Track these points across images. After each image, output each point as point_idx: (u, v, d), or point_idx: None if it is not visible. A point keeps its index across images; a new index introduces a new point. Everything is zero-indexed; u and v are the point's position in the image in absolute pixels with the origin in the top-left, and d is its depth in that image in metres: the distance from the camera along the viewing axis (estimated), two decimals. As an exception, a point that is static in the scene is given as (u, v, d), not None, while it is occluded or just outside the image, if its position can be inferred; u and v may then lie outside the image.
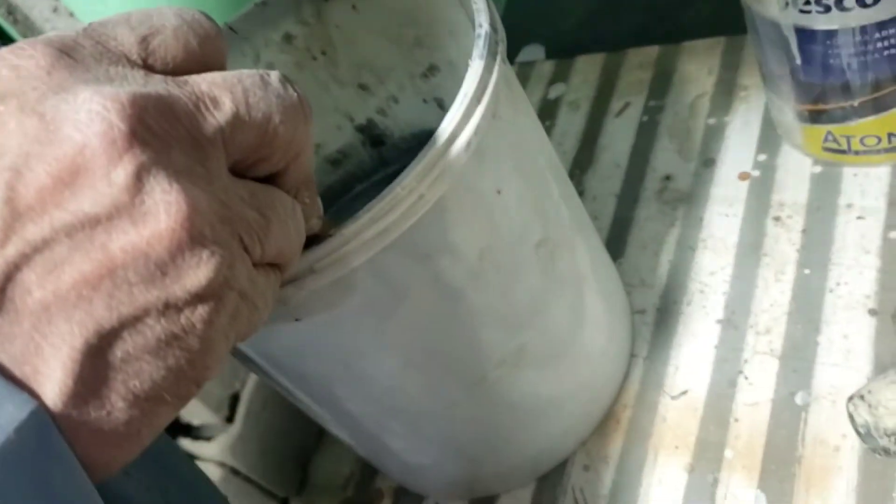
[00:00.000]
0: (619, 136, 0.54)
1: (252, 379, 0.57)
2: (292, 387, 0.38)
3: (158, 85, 0.20)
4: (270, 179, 0.23)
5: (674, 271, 0.47)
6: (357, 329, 0.32)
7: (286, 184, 0.23)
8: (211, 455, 0.51)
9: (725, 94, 0.52)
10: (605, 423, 0.44)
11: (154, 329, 0.19)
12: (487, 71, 0.30)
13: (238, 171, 0.21)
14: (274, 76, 0.22)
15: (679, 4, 0.58)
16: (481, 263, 0.33)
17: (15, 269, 0.18)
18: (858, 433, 0.37)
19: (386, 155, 0.48)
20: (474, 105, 0.29)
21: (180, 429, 0.52)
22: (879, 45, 0.39)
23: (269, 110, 0.21)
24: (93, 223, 0.18)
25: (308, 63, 0.41)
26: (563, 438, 0.43)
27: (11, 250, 0.18)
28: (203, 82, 0.20)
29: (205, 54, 0.21)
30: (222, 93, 0.20)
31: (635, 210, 0.50)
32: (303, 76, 0.41)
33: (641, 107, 0.54)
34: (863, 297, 0.41)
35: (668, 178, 0.51)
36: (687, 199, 0.49)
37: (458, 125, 0.29)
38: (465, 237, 0.32)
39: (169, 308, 0.19)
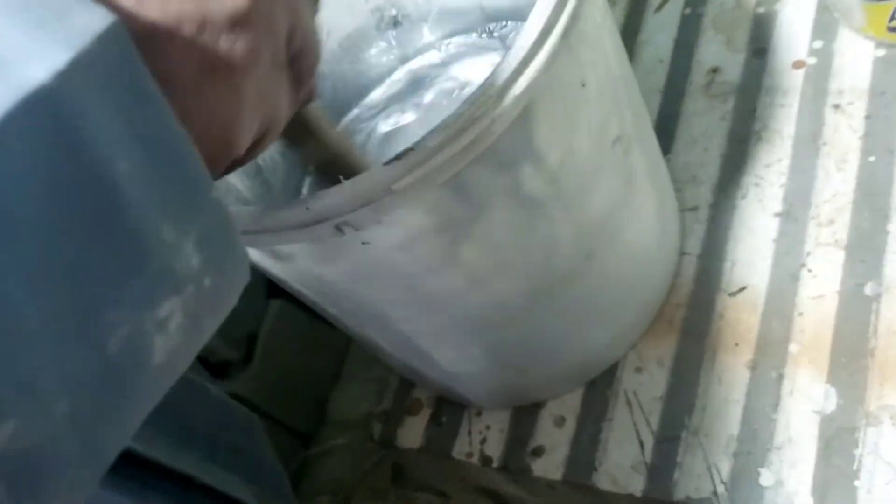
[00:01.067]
0: (660, 31, 0.51)
1: (269, 317, 0.55)
2: (341, 313, 0.35)
3: None
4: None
5: (726, 165, 0.44)
6: (430, 250, 0.30)
7: None
8: (231, 391, 0.50)
9: (776, -20, 0.49)
10: (656, 324, 0.42)
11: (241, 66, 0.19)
12: None
13: None
14: None
15: None
16: (562, 167, 0.30)
17: None
18: (938, 319, 0.35)
19: (404, 41, 0.45)
20: None
21: (199, 366, 0.50)
22: None
23: None
24: None
25: None
26: (614, 342, 0.41)
27: None
28: None
29: None
30: None
31: (682, 105, 0.48)
32: None
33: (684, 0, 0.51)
34: (935, 182, 0.39)
35: (715, 70, 0.48)
36: (737, 92, 0.46)
37: (553, 11, 0.26)
38: (549, 139, 0.29)
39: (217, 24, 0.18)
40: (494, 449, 0.43)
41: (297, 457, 0.56)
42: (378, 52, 0.47)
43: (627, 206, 0.36)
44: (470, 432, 0.44)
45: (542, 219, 0.31)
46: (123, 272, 0.15)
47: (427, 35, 0.47)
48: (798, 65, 0.46)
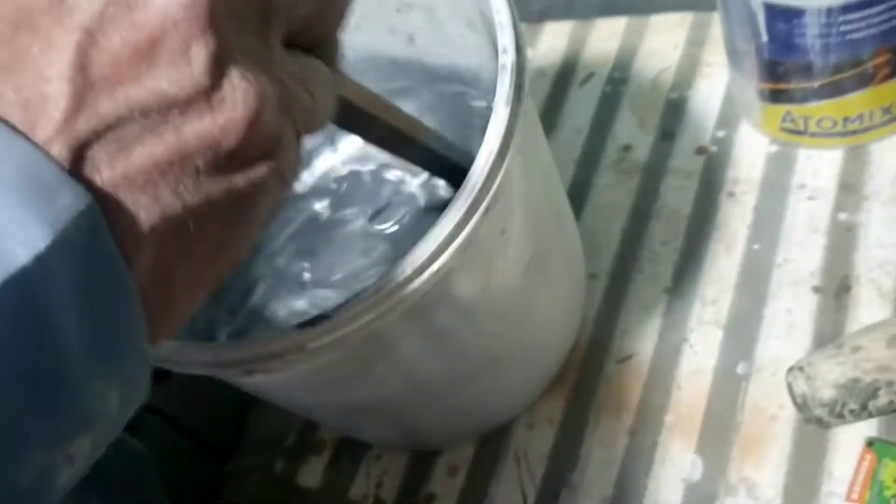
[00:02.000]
0: (582, 105, 0.54)
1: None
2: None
3: None
4: (311, 47, 0.22)
5: (627, 238, 0.48)
6: (338, 374, 0.32)
7: (327, 52, 0.22)
8: (147, 403, 0.51)
9: (689, 69, 0.53)
10: (552, 384, 0.44)
11: (213, 218, 0.19)
12: (513, 116, 0.28)
13: (286, 39, 0.21)
14: None
15: (649, -22, 0.59)
16: (476, 303, 0.32)
17: (86, 145, 0.17)
18: (795, 403, 0.38)
19: None
20: (498, 165, 0.27)
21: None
22: (843, 28, 0.40)
23: None
24: (169, 103, 0.17)
25: None
26: (513, 404, 0.44)
27: (83, 125, 0.17)
28: None
29: None
30: None
31: (594, 177, 0.51)
32: None
33: (605, 77, 0.55)
34: (808, 274, 0.43)
35: (626, 148, 0.51)
36: (644, 170, 0.50)
37: (479, 192, 0.27)
38: (464, 285, 0.31)
39: (230, 194, 0.19)
40: (389, 493, 0.45)
41: (213, 473, 0.57)
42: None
43: (539, 304, 0.38)
44: (368, 475, 0.46)
45: (452, 342, 0.33)
46: (49, 419, 0.16)
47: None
48: (701, 151, 0.49)
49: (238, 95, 0.18)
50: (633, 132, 0.52)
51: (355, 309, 0.26)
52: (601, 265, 0.47)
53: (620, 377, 0.43)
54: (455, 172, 0.38)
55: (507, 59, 0.28)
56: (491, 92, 0.38)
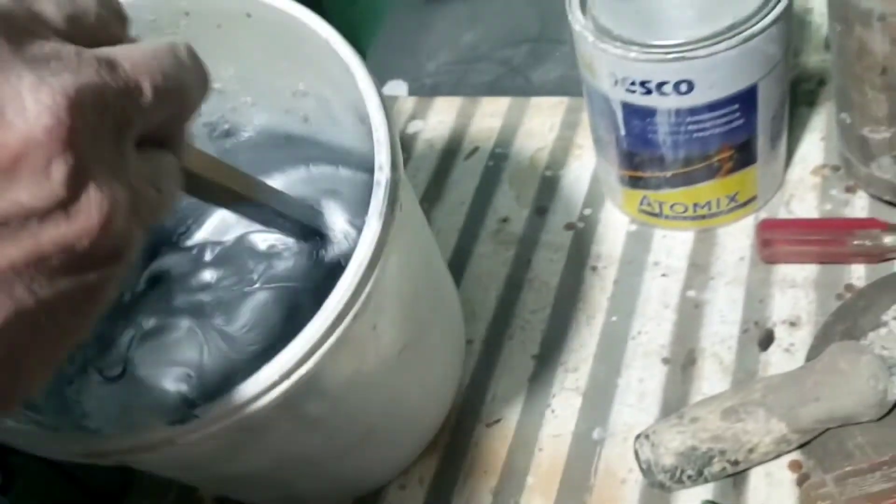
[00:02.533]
0: (466, 176, 0.58)
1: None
2: None
3: (90, 69, 0.20)
4: (160, 142, 0.24)
5: (501, 306, 0.51)
6: (209, 457, 0.33)
7: (176, 142, 0.24)
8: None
9: (562, 150, 0.57)
10: (426, 447, 0.47)
11: (63, 309, 0.21)
12: (385, 229, 0.30)
13: (138, 139, 0.22)
14: (183, 49, 0.23)
15: (532, 63, 0.63)
16: (346, 392, 0.34)
17: None
18: (641, 469, 0.42)
19: (232, 147, 0.49)
20: (369, 274, 0.29)
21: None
22: (691, 127, 0.44)
23: (183, 87, 0.23)
24: (27, 214, 0.19)
25: None
26: (388, 469, 0.45)
27: None
28: (127, 63, 0.21)
29: (118, 31, 0.23)
30: (144, 74, 0.21)
31: (474, 246, 0.54)
32: None
33: (489, 152, 0.58)
34: (659, 346, 0.47)
35: (505, 220, 0.55)
36: (519, 242, 0.53)
37: (348, 302, 0.29)
38: (334, 381, 0.32)
39: (79, 288, 0.21)
40: (264, 548, 0.46)
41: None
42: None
43: (414, 382, 0.40)
44: (245, 531, 0.47)
45: (324, 426, 0.35)
46: None
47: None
48: (569, 227, 0.53)
49: (92, 205, 0.20)
50: (511, 205, 0.55)
51: (226, 407, 0.28)
52: (477, 331, 0.50)
53: (489, 440, 0.46)
54: (303, 229, 0.41)
55: (383, 176, 0.31)
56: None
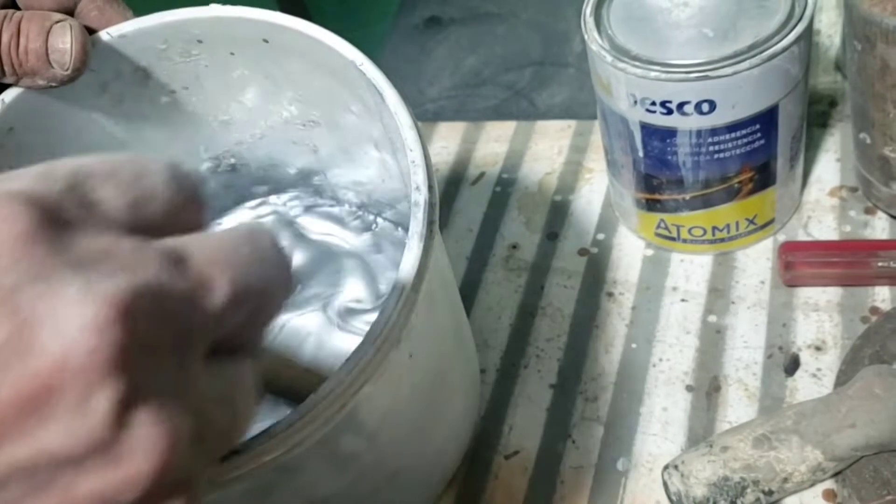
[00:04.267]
0: (473, 203, 0.56)
1: None
2: None
3: (152, 268, 0.16)
4: (235, 350, 0.20)
5: (514, 335, 0.49)
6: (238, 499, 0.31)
7: (253, 350, 0.20)
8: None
9: (572, 174, 0.56)
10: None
11: None
12: (426, 252, 0.28)
13: (209, 350, 0.18)
14: (265, 237, 0.19)
15: (537, 86, 0.62)
16: (380, 426, 0.32)
17: None
18: (671, 500, 0.40)
19: (236, 182, 0.48)
20: (412, 299, 0.28)
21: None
22: (711, 148, 0.43)
23: (264, 286, 0.19)
24: (59, 462, 0.15)
25: (159, 97, 0.40)
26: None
27: None
28: (200, 257, 0.17)
29: (190, 215, 0.19)
30: (218, 272, 0.17)
31: (483, 273, 0.53)
32: (152, 109, 0.40)
33: (495, 178, 0.57)
34: (682, 373, 0.45)
35: (514, 246, 0.53)
36: (530, 269, 0.52)
37: (393, 326, 0.27)
38: (370, 414, 0.31)
39: None
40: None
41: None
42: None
43: (439, 418, 0.38)
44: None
45: (355, 465, 0.33)
46: None
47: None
48: (583, 252, 0.52)
49: (144, 446, 0.15)
50: (520, 232, 0.54)
51: (265, 444, 0.26)
52: (490, 361, 0.49)
53: (508, 473, 0.44)
54: None
55: (420, 196, 0.29)
56: (387, 205, 0.39)
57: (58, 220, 0.16)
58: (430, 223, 0.29)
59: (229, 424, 0.18)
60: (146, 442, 0.15)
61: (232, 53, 0.37)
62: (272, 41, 0.35)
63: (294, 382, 0.31)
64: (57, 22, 0.32)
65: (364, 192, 0.45)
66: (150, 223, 0.18)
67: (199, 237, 0.18)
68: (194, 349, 0.17)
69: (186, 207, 0.19)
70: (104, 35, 0.35)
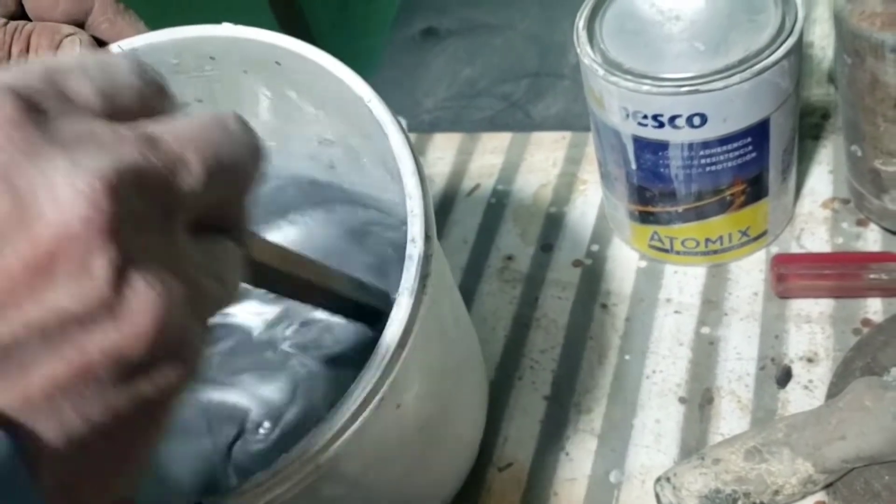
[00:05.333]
0: (468, 214, 0.57)
1: None
2: None
3: (131, 148, 0.18)
4: (219, 226, 0.21)
5: (509, 346, 0.50)
6: None
7: (237, 228, 0.22)
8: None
9: (566, 186, 0.56)
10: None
11: (119, 429, 0.18)
12: (416, 307, 0.28)
13: (193, 225, 0.20)
14: (232, 119, 0.21)
15: (532, 98, 0.63)
16: (365, 473, 0.32)
17: None
18: (663, 512, 0.40)
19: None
20: (397, 355, 0.27)
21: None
22: (704, 160, 0.43)
23: (235, 161, 0.20)
24: (70, 320, 0.16)
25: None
26: None
27: None
28: (172, 139, 0.19)
29: (159, 106, 0.21)
30: (191, 150, 0.19)
31: (479, 284, 0.53)
32: None
33: (490, 189, 0.57)
34: (674, 385, 0.45)
35: (509, 258, 0.54)
36: (525, 280, 0.52)
37: (376, 383, 0.27)
38: (354, 464, 0.30)
39: (137, 404, 0.18)
40: None
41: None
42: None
43: (436, 455, 0.38)
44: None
45: None
46: None
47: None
48: (577, 263, 0.52)
49: (145, 304, 0.17)
50: (515, 243, 0.54)
51: (245, 492, 0.26)
52: (485, 372, 0.49)
53: (501, 485, 0.44)
54: (371, 313, 0.38)
55: (415, 250, 0.29)
56: (404, 224, 0.38)
57: (39, 108, 0.17)
58: (423, 277, 0.29)
59: (218, 294, 0.20)
60: (145, 300, 0.17)
61: (245, 71, 0.37)
62: (284, 65, 0.35)
63: (290, 269, 0.30)
64: (67, 35, 0.33)
65: (380, 209, 0.45)
66: (121, 111, 0.19)
67: (169, 121, 0.20)
68: (176, 222, 0.19)
69: (153, 96, 0.20)
70: (115, 48, 0.35)
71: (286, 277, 0.30)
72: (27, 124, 0.17)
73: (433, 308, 0.30)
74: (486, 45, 0.68)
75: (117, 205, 0.17)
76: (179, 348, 0.18)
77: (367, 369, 0.27)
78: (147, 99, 0.20)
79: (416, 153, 0.32)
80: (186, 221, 0.19)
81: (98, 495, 0.19)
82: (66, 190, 0.16)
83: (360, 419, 0.27)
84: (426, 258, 0.29)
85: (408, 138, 0.32)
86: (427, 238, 0.29)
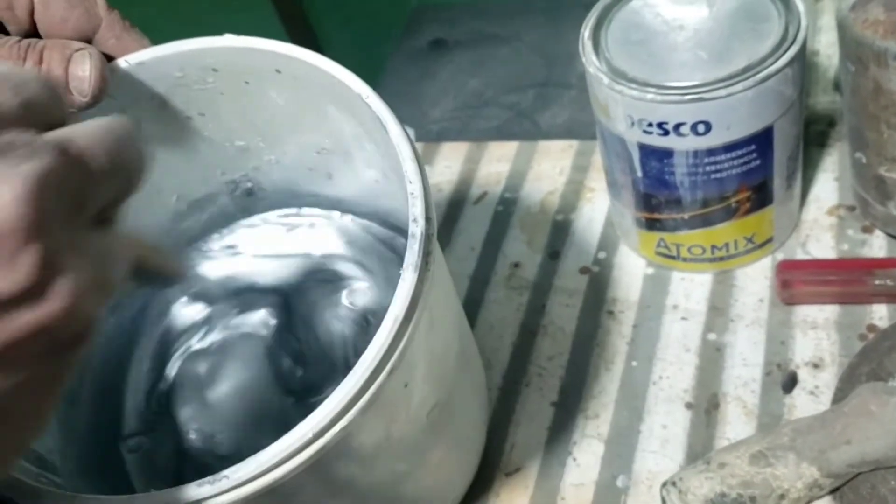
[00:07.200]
0: (475, 222, 0.57)
1: None
2: None
3: (48, 154, 0.20)
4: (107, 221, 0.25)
5: (516, 353, 0.50)
6: None
7: (118, 221, 0.25)
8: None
9: (573, 193, 0.57)
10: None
11: (27, 396, 0.21)
12: (420, 283, 0.29)
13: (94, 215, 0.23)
14: (124, 124, 0.24)
15: (539, 107, 0.63)
16: (376, 453, 0.33)
17: None
18: (669, 516, 0.40)
19: (250, 205, 0.48)
20: (404, 328, 0.28)
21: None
22: (709, 168, 0.44)
23: (128, 162, 0.23)
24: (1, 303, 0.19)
25: (176, 122, 0.41)
26: None
27: None
28: (80, 140, 0.22)
29: (60, 112, 0.23)
30: (96, 148, 0.22)
31: (485, 292, 0.53)
32: (169, 133, 0.41)
33: (498, 197, 0.58)
34: (681, 391, 0.46)
35: (516, 265, 0.54)
36: (532, 287, 0.53)
37: (384, 357, 0.28)
38: (364, 441, 0.31)
39: (47, 376, 0.22)
40: None
41: None
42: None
43: (443, 443, 0.38)
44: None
45: (351, 490, 0.34)
46: None
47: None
48: (584, 271, 0.52)
49: (61, 289, 0.20)
50: (522, 251, 0.55)
51: (254, 468, 0.27)
52: (492, 379, 0.49)
53: (509, 490, 0.45)
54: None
55: (417, 228, 0.30)
56: (404, 228, 0.39)
57: None
58: (425, 254, 0.30)
59: (113, 280, 0.23)
60: (63, 287, 0.20)
61: (246, 82, 0.38)
62: (284, 72, 0.36)
63: (148, 261, 0.31)
64: (77, 50, 0.34)
65: (378, 215, 0.46)
66: (36, 120, 0.22)
67: (75, 126, 0.22)
68: (86, 213, 0.22)
69: (57, 103, 0.23)
70: (122, 63, 0.36)
71: (150, 269, 0.31)
72: None
73: (434, 295, 0.31)
74: (493, 56, 0.69)
75: (41, 208, 0.19)
76: (86, 327, 0.22)
77: (377, 339, 0.28)
78: (52, 106, 0.23)
79: (414, 144, 0.33)
80: (91, 215, 0.22)
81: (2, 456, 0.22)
82: None
83: (371, 389, 0.28)
84: (427, 237, 0.30)
85: (405, 130, 0.33)
86: (427, 218, 0.31)
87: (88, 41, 0.36)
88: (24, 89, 0.22)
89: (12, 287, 0.19)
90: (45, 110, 0.22)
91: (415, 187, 0.31)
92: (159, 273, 0.33)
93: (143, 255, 0.31)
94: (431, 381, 0.34)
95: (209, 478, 0.27)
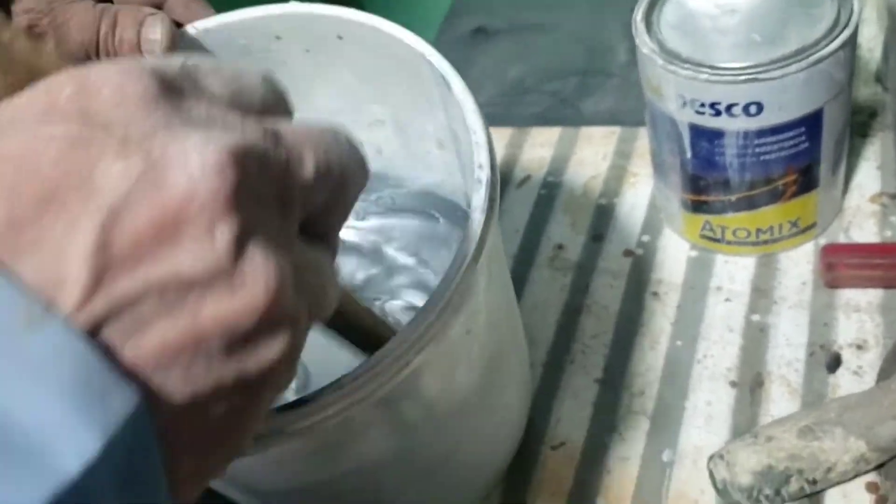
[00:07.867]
0: (519, 204, 0.58)
1: None
2: None
3: (255, 134, 0.19)
4: (319, 238, 0.22)
5: (560, 332, 0.51)
6: (297, 468, 0.33)
7: (332, 247, 0.23)
8: None
9: (616, 178, 0.57)
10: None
11: (220, 403, 0.18)
12: (487, 225, 0.30)
13: (299, 227, 0.21)
14: (343, 133, 0.22)
15: (581, 95, 0.64)
16: (438, 399, 0.34)
17: (99, 327, 0.16)
18: (716, 489, 0.41)
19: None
20: (472, 269, 0.29)
21: None
22: (758, 149, 0.45)
23: (344, 168, 0.21)
24: (187, 284, 0.17)
25: None
26: (461, 496, 0.44)
27: (100, 305, 0.16)
28: (290, 135, 0.20)
29: (280, 114, 0.22)
30: (306, 149, 0.20)
31: (529, 272, 0.54)
32: None
33: (541, 181, 0.59)
34: (725, 369, 0.46)
35: (560, 247, 0.55)
36: (576, 268, 0.53)
37: (454, 296, 0.28)
38: (429, 384, 0.32)
39: (239, 382, 0.18)
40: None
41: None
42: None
43: (494, 402, 0.40)
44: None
45: (413, 436, 0.35)
46: None
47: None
48: (628, 253, 0.53)
49: (259, 277, 0.18)
50: (565, 233, 0.56)
51: (333, 395, 0.28)
52: (537, 356, 0.50)
53: (555, 463, 0.46)
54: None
55: (483, 174, 0.31)
56: (449, 206, 0.40)
57: (176, 89, 0.19)
58: (491, 200, 0.31)
59: (321, 292, 0.21)
60: (262, 274, 0.18)
61: (307, 50, 0.39)
62: (345, 37, 0.37)
63: (360, 323, 0.32)
64: (149, 15, 0.35)
65: (424, 194, 0.47)
66: (246, 107, 0.20)
67: (289, 123, 0.21)
68: (292, 214, 0.20)
69: (275, 102, 0.21)
70: (190, 29, 0.37)
71: (353, 326, 0.31)
72: (165, 101, 0.18)
73: (492, 244, 0.32)
74: (535, 44, 0.69)
75: (243, 178, 0.17)
76: (286, 327, 0.19)
77: (445, 280, 0.29)
78: (269, 103, 0.21)
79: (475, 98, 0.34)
80: (298, 220, 0.20)
81: (192, 478, 0.19)
82: (196, 159, 0.17)
83: (439, 328, 0.29)
84: (493, 184, 0.31)
85: (467, 86, 0.34)
86: (492, 167, 0.32)
87: (159, 8, 0.38)
88: (237, 78, 0.21)
89: (203, 267, 0.17)
90: (259, 106, 0.21)
91: (479, 137, 0.32)
92: (365, 335, 0.32)
93: (353, 311, 0.31)
94: (489, 333, 0.35)
95: (290, 403, 0.27)
